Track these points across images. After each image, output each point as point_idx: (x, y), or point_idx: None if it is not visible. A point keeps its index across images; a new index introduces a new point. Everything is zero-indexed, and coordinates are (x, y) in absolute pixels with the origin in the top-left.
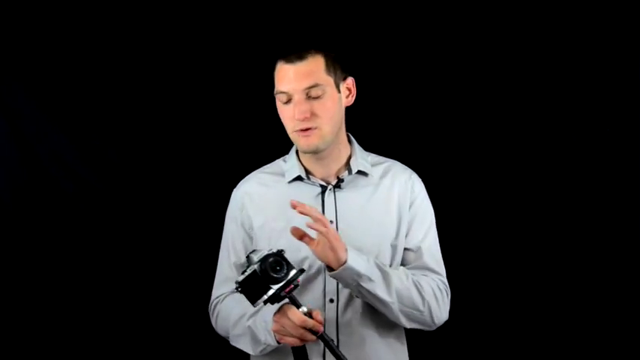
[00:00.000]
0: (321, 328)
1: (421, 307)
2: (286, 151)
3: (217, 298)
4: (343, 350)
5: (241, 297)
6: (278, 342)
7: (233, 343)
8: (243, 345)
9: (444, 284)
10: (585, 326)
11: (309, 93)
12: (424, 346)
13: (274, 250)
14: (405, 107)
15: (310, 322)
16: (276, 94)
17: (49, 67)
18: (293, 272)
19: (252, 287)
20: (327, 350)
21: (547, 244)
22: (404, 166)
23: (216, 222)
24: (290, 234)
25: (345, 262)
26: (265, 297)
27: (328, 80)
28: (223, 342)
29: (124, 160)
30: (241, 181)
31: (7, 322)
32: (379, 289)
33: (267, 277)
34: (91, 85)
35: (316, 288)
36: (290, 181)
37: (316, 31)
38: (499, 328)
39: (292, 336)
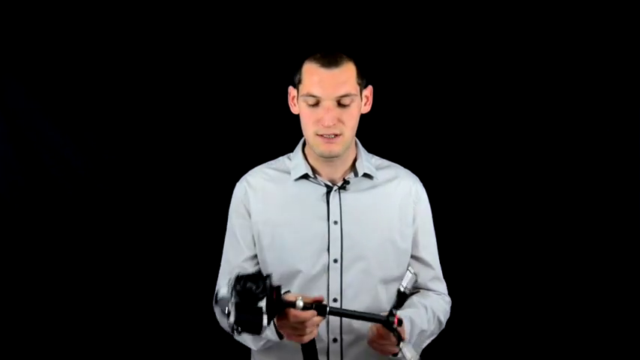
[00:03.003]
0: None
1: (437, 332)
2: (289, 149)
3: None
4: (345, 349)
5: None
6: (280, 337)
7: (236, 337)
8: (245, 340)
9: (447, 295)
10: (585, 326)
11: (340, 101)
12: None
13: (234, 279)
14: (406, 110)
15: (306, 314)
16: (305, 95)
17: (50, 67)
18: (267, 280)
19: (246, 319)
20: (330, 348)
21: (547, 244)
22: (407, 170)
23: (217, 221)
24: (295, 231)
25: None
26: (265, 321)
27: (357, 89)
28: (223, 340)
29: (123, 160)
30: (245, 175)
31: (8, 321)
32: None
33: (251, 296)
34: (91, 85)
35: (320, 287)
36: (296, 179)
37: (334, 37)
38: (499, 328)
39: (299, 333)
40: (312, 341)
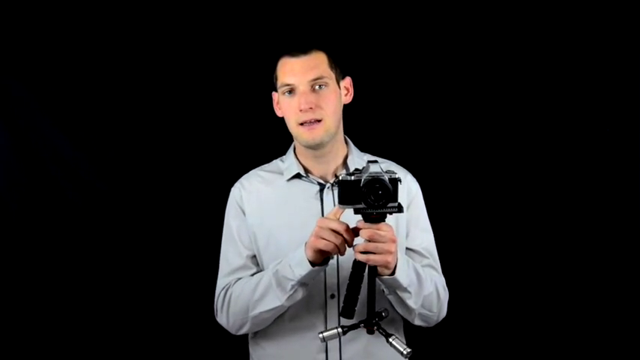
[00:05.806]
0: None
1: (434, 309)
2: (283, 152)
3: (227, 284)
4: (344, 345)
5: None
6: (312, 263)
7: (255, 311)
8: (270, 300)
9: (445, 283)
10: (585, 326)
11: (314, 85)
12: (421, 341)
13: (390, 176)
14: (401, 108)
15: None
16: (280, 87)
17: (50, 68)
18: (391, 205)
19: (348, 191)
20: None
21: (547, 244)
22: (400, 166)
23: (216, 222)
24: (290, 231)
25: (394, 272)
26: (353, 207)
27: (331, 75)
28: (223, 341)
29: (124, 160)
30: (240, 178)
31: (9, 322)
32: (411, 300)
33: (364, 195)
34: (92, 86)
35: (317, 283)
36: (289, 179)
37: (314, 32)
38: (497, 328)
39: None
40: (362, 265)
